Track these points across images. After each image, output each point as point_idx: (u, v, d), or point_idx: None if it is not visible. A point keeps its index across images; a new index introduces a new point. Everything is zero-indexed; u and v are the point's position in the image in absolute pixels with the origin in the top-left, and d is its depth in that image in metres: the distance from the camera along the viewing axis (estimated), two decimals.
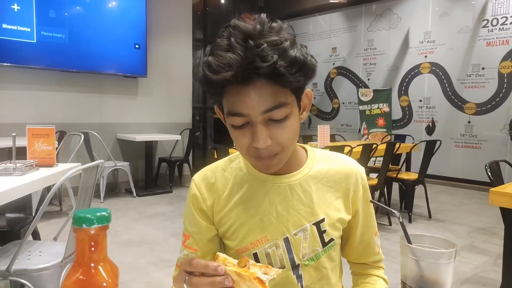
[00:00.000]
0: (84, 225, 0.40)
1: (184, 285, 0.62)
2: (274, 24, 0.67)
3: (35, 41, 4.41)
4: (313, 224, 0.81)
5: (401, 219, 0.65)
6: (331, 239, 0.82)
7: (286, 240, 0.80)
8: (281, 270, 0.57)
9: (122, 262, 2.84)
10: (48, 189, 2.16)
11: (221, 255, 0.61)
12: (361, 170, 0.87)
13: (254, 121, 0.68)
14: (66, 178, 1.67)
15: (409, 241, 0.62)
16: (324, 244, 0.82)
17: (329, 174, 0.84)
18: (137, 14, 5.20)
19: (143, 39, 5.25)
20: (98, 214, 0.40)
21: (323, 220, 0.81)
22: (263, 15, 0.67)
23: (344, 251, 0.92)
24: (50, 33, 4.52)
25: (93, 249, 0.41)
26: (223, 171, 0.85)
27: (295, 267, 0.81)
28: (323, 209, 0.82)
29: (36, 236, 2.30)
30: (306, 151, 0.87)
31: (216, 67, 0.65)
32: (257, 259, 0.80)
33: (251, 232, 0.80)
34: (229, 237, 0.82)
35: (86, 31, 4.80)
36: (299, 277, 0.81)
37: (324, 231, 0.81)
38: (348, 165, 0.86)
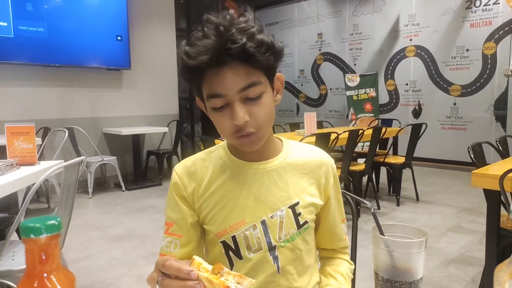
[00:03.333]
0: (32, 235, 0.38)
1: (157, 286, 0.63)
2: (242, 18, 0.74)
3: (12, 36, 4.30)
4: (288, 207, 0.85)
5: (372, 210, 0.65)
6: (306, 222, 0.87)
7: (263, 223, 0.84)
8: (254, 280, 0.59)
9: (111, 257, 2.83)
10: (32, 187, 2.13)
11: (197, 259, 0.60)
12: (332, 160, 0.94)
13: (231, 100, 0.74)
14: (47, 176, 1.64)
15: (381, 232, 0.62)
16: (299, 226, 0.86)
17: (303, 162, 0.90)
18: (118, 5, 5.09)
19: (125, 31, 5.16)
20: (48, 222, 0.39)
21: (297, 203, 0.86)
22: (232, 11, 0.75)
23: (315, 237, 0.96)
24: (28, 27, 4.41)
25: (44, 259, 0.39)
26: (203, 161, 0.90)
27: (271, 248, 0.85)
28: (298, 193, 0.87)
29: None
30: (281, 141, 0.93)
31: (193, 54, 0.71)
32: (235, 242, 0.84)
33: (230, 215, 0.84)
34: (209, 221, 0.86)
35: (66, 24, 4.69)
36: (275, 258, 0.85)
37: (299, 213, 0.86)
38: (320, 156, 0.93)
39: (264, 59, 0.73)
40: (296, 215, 0.86)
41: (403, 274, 0.60)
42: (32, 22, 4.43)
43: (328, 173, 0.92)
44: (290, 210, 0.85)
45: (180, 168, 0.90)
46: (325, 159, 0.92)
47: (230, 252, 0.86)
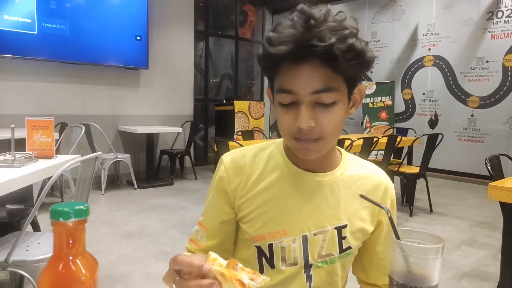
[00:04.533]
0: (61, 219, 0.40)
1: (174, 286, 0.62)
2: (338, 16, 0.69)
3: (36, 33, 4.41)
4: (334, 228, 0.80)
5: (389, 214, 0.65)
6: (349, 247, 0.82)
7: (305, 238, 0.79)
8: (268, 278, 0.55)
9: (121, 254, 2.86)
10: (48, 180, 2.17)
11: (212, 255, 0.60)
12: (391, 185, 0.87)
13: (301, 101, 0.69)
14: (64, 170, 1.67)
15: (397, 237, 0.62)
16: (341, 250, 0.81)
17: (360, 182, 0.83)
18: (139, 5, 5.18)
19: (145, 31, 5.24)
20: (76, 207, 0.40)
21: (345, 226, 0.81)
22: (329, 6, 0.69)
23: (358, 268, 0.90)
24: (51, 24, 4.52)
25: (71, 243, 0.41)
26: (254, 157, 0.84)
27: (307, 266, 0.80)
28: (347, 215, 0.81)
29: (36, 227, 2.31)
30: (340, 153, 0.86)
31: (274, 41, 0.67)
32: (271, 250, 0.80)
33: (271, 222, 0.79)
34: (248, 222, 0.81)
35: (87, 22, 4.79)
36: (309, 277, 0.81)
37: (344, 237, 0.81)
38: (379, 176, 0.86)
39: (348, 66, 0.66)
40: (341, 238, 0.80)
41: (419, 279, 0.59)
42: (55, 20, 4.53)
43: (385, 198, 0.85)
44: (336, 231, 0.80)
45: (229, 160, 0.84)
46: (385, 182, 0.85)
47: (263, 259, 0.81)
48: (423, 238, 0.64)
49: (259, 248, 0.81)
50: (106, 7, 4.94)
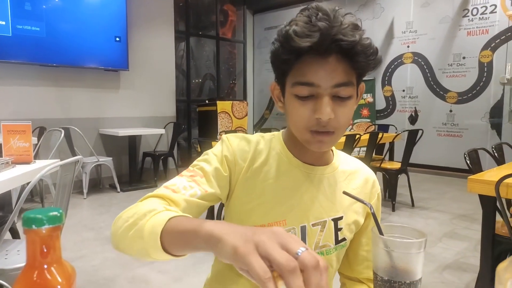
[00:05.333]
0: (34, 226, 0.38)
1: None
2: (349, 17, 0.71)
3: (10, 35, 4.29)
4: (331, 219, 0.83)
5: (372, 210, 0.65)
6: (344, 239, 0.84)
7: (303, 229, 0.81)
8: None
9: (105, 258, 2.81)
10: (27, 186, 2.12)
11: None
12: (377, 180, 0.92)
13: (321, 93, 0.70)
14: (42, 175, 1.63)
15: (380, 232, 0.62)
16: (337, 241, 0.83)
17: (351, 177, 0.87)
18: (117, 6, 5.09)
19: (124, 32, 5.16)
20: (49, 214, 0.39)
21: (341, 218, 0.84)
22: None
23: (342, 261, 0.91)
24: (26, 26, 4.40)
25: (45, 251, 0.39)
26: (256, 144, 0.84)
27: None
28: (343, 207, 0.84)
29: (15, 235, 2.25)
30: (331, 149, 0.89)
31: (301, 34, 0.68)
32: None
33: (272, 211, 0.80)
34: (247, 211, 0.81)
35: (64, 24, 4.69)
36: None
37: (340, 229, 0.84)
38: (366, 172, 0.90)
39: (367, 62, 0.71)
40: (337, 230, 0.83)
41: (403, 274, 0.60)
42: (30, 22, 4.42)
43: (374, 192, 0.89)
44: (332, 222, 0.83)
45: (235, 143, 0.82)
46: (372, 177, 0.90)
47: None
48: (406, 232, 0.64)
49: None
50: (83, 8, 4.85)
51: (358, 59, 0.70)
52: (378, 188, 0.91)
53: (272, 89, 0.82)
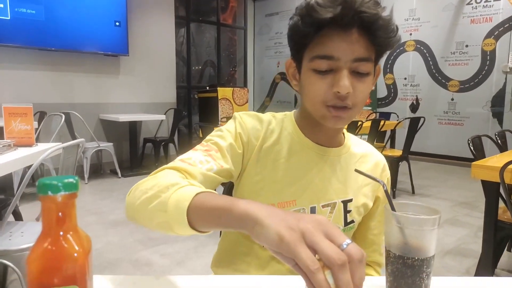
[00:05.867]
0: (49, 193, 0.37)
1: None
2: None
3: (9, 18, 4.23)
4: (341, 201, 0.83)
5: (385, 188, 0.64)
6: (352, 221, 0.84)
7: (313, 210, 0.81)
8: None
9: (108, 242, 2.82)
10: (28, 169, 2.11)
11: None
12: (386, 164, 0.91)
13: (341, 67, 0.70)
14: (45, 156, 1.62)
15: (393, 209, 0.62)
16: (346, 223, 0.83)
17: (362, 160, 0.87)
18: None
19: (124, 16, 5.09)
20: (65, 180, 0.38)
21: (350, 200, 0.83)
22: None
23: None
24: (25, 9, 4.33)
25: (61, 218, 0.38)
26: (268, 124, 0.83)
27: None
28: (353, 190, 0.84)
29: (18, 217, 2.25)
30: (342, 132, 0.88)
31: (324, 4, 0.67)
32: None
33: (282, 191, 0.80)
34: (257, 191, 0.80)
35: (63, 7, 4.62)
36: None
37: (349, 211, 0.84)
38: (377, 156, 0.90)
39: (387, 38, 0.70)
40: (346, 212, 0.83)
41: (416, 251, 0.59)
42: (29, 5, 4.35)
43: (383, 176, 0.89)
44: (342, 204, 0.82)
45: (248, 121, 0.81)
46: (383, 161, 0.90)
47: None
48: (419, 210, 0.64)
49: None
50: None
51: (379, 34, 0.69)
52: (388, 173, 0.91)
53: (287, 67, 0.81)
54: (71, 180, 0.38)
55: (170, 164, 0.72)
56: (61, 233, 0.38)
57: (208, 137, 0.80)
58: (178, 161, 0.73)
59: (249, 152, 0.80)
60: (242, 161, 0.80)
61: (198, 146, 0.78)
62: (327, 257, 0.40)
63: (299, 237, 0.42)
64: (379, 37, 0.70)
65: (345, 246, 0.42)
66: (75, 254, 0.38)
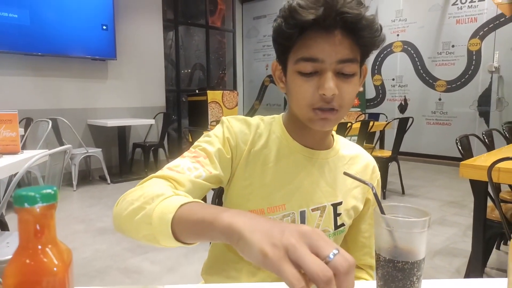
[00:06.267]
0: (26, 205, 0.36)
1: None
2: None
3: None
4: (331, 204, 0.82)
5: (374, 190, 0.64)
6: (343, 224, 0.83)
7: (302, 214, 0.80)
8: None
9: (97, 250, 2.78)
10: (14, 177, 2.07)
11: None
12: (376, 165, 0.91)
13: (326, 69, 0.69)
14: (31, 164, 1.59)
15: (382, 212, 0.61)
16: (336, 227, 0.82)
17: (351, 162, 0.86)
18: None
19: (111, 20, 5.05)
20: (43, 191, 0.36)
21: (340, 203, 0.83)
22: None
23: (341, 247, 0.90)
24: (9, 13, 4.27)
25: (39, 231, 0.37)
26: (256, 127, 0.82)
27: None
28: (342, 192, 0.83)
29: (4, 227, 2.20)
30: (332, 133, 0.88)
31: (306, 6, 0.66)
32: None
33: (271, 196, 0.79)
34: (246, 195, 0.79)
35: (49, 11, 4.56)
36: None
37: (339, 214, 0.83)
38: (367, 157, 0.90)
39: (371, 38, 0.70)
40: (336, 215, 0.82)
41: (406, 254, 0.59)
42: (13, 9, 4.29)
43: (373, 177, 0.89)
44: (332, 207, 0.82)
45: (236, 125, 0.80)
46: (372, 162, 0.90)
47: None
48: (409, 212, 0.63)
49: None
50: None
51: (363, 34, 0.69)
52: (378, 174, 0.90)
53: (273, 70, 0.80)
54: (49, 190, 0.37)
55: (158, 173, 0.71)
56: (39, 246, 0.37)
57: (196, 143, 0.79)
58: (166, 169, 0.72)
59: (237, 156, 0.79)
60: (231, 166, 0.79)
61: (186, 153, 0.77)
62: (311, 274, 0.39)
63: (282, 254, 0.40)
64: (363, 37, 0.69)
65: (331, 257, 0.40)
66: (55, 268, 0.37)
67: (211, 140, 0.78)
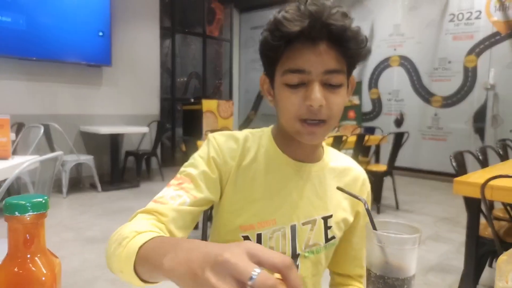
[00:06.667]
0: (16, 213, 0.35)
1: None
2: (338, 7, 0.71)
3: None
4: (321, 217, 0.81)
5: (366, 206, 0.64)
6: (333, 237, 0.83)
7: (293, 228, 0.79)
8: None
9: (85, 259, 2.74)
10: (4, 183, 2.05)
11: None
12: (367, 177, 0.91)
13: (312, 80, 0.69)
14: (21, 170, 1.57)
15: (374, 228, 0.61)
16: (326, 240, 0.82)
17: (342, 174, 0.86)
18: None
19: (108, 26, 5.06)
20: (34, 200, 0.36)
21: (330, 216, 0.82)
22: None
23: (332, 259, 0.90)
24: (5, 17, 4.26)
25: (28, 240, 0.36)
26: (245, 141, 0.81)
27: (294, 256, 0.80)
28: (332, 205, 0.83)
29: None
30: (322, 145, 0.87)
31: (291, 18, 0.67)
32: (259, 241, 0.77)
33: (262, 211, 0.78)
34: (236, 211, 0.78)
35: (46, 16, 4.57)
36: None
37: (330, 227, 0.82)
38: (357, 170, 0.89)
39: (357, 49, 0.70)
40: (327, 228, 0.82)
41: (396, 270, 0.59)
42: (10, 13, 4.29)
43: (363, 190, 0.88)
44: (322, 221, 0.81)
45: (222, 141, 0.79)
46: (363, 175, 0.89)
47: None
48: (400, 228, 0.63)
49: (247, 238, 0.78)
50: (66, 1, 4.73)
51: (348, 45, 0.69)
52: (368, 186, 0.90)
53: (261, 83, 0.80)
54: (39, 199, 0.36)
55: (144, 208, 0.71)
56: (29, 255, 0.36)
57: (181, 169, 0.79)
58: (152, 203, 0.72)
59: (226, 173, 0.78)
60: (220, 184, 0.78)
61: (172, 181, 0.77)
62: None
63: None
64: (349, 48, 0.70)
65: (254, 277, 0.37)
66: (43, 278, 0.37)
67: (195, 163, 0.77)
